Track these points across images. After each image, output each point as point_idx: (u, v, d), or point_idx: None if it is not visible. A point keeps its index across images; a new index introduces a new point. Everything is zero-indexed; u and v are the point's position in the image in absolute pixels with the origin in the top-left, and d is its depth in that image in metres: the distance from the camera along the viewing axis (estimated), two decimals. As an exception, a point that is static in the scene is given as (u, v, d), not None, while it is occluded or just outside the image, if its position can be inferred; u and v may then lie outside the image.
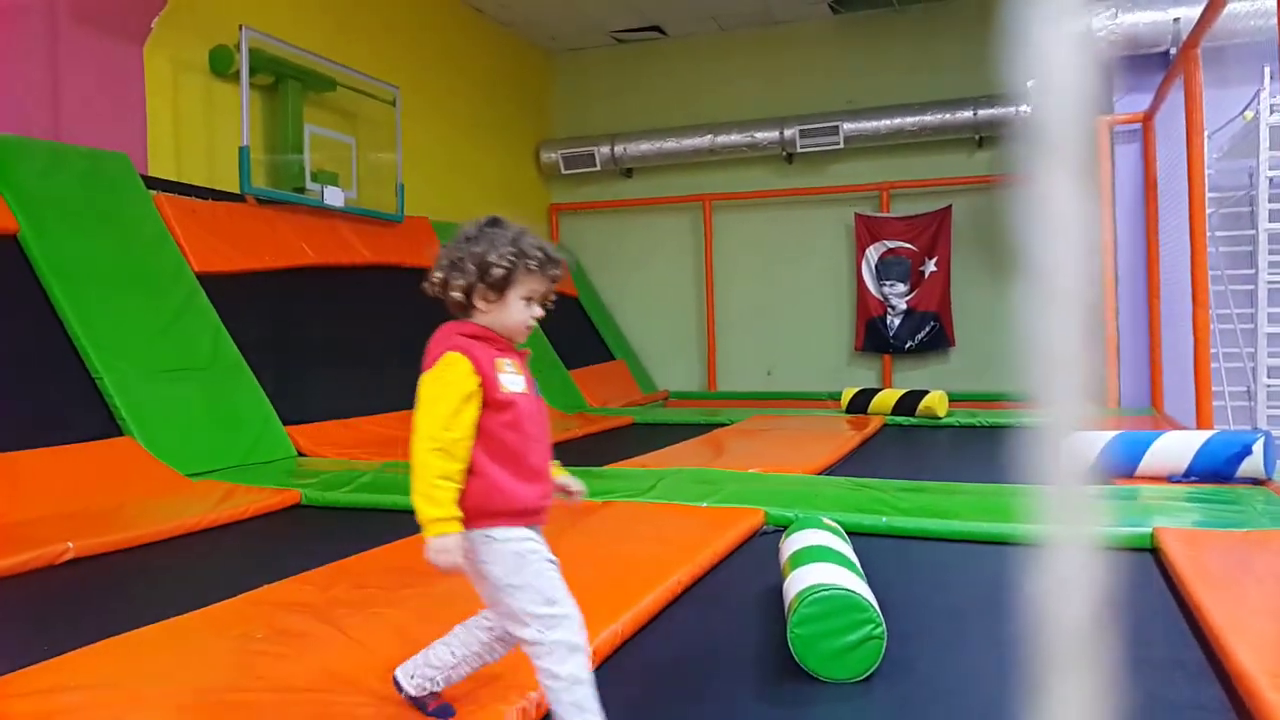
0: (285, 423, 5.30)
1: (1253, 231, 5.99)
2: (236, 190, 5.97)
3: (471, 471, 1.54)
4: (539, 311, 1.62)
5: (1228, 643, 1.90)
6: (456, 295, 1.59)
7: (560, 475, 1.72)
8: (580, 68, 10.34)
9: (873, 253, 9.41)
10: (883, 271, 9.35)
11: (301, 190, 6.37)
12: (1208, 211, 5.35)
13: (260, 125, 6.30)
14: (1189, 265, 5.28)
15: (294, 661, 2.03)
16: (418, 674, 1.71)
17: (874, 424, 6.49)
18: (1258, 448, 3.70)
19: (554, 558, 1.60)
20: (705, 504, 3.62)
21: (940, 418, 6.74)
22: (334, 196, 6.53)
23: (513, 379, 1.59)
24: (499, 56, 9.40)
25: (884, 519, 3.29)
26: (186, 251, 5.35)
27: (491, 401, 1.55)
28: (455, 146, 8.63)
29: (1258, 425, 5.43)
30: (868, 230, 9.39)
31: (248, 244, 5.84)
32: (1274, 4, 3.17)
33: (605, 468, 4.67)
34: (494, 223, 1.62)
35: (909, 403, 6.92)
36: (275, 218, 6.16)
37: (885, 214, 9.38)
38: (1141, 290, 6.68)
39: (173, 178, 5.70)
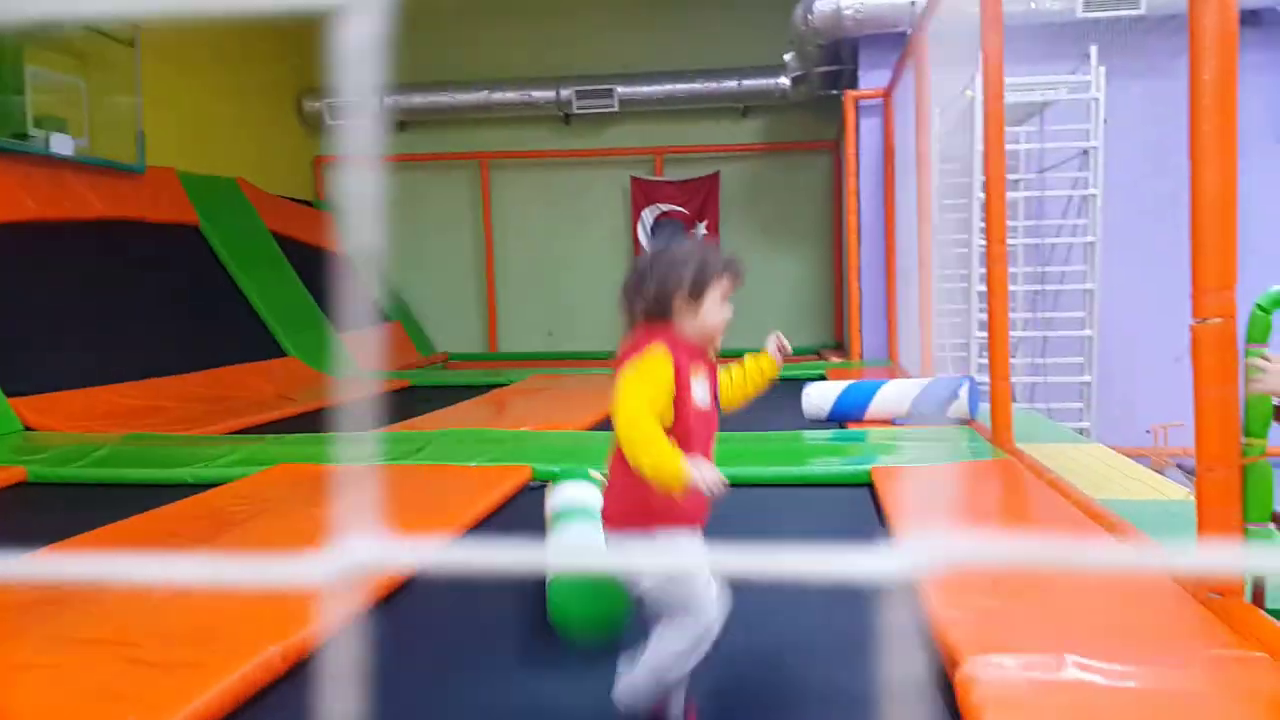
0: (8, 395, 4.80)
1: (968, 200, 6.72)
2: (-61, 134, 5.27)
3: (632, 474, 1.52)
4: (729, 312, 1.65)
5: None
6: (659, 298, 1.60)
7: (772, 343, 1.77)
8: (347, 15, 9.83)
9: (648, 215, 9.70)
10: (657, 233, 9.67)
11: (23, 137, 5.72)
12: (938, 181, 5.96)
13: (-33, 61, 5.57)
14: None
15: (37, 633, 1.90)
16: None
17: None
18: (963, 392, 4.22)
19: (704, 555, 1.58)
20: (473, 463, 3.67)
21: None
22: (62, 144, 5.90)
23: (701, 390, 1.61)
24: (255, -2, 8.78)
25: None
26: (-125, 203, 4.68)
27: (676, 404, 1.58)
28: (206, 92, 8.00)
29: (970, 373, 6.15)
30: (643, 193, 9.66)
31: (-45, 195, 5.19)
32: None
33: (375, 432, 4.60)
34: (668, 247, 1.65)
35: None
36: (-11, 166, 5.50)
37: (659, 178, 9.69)
38: (882, 251, 7.34)
39: None
